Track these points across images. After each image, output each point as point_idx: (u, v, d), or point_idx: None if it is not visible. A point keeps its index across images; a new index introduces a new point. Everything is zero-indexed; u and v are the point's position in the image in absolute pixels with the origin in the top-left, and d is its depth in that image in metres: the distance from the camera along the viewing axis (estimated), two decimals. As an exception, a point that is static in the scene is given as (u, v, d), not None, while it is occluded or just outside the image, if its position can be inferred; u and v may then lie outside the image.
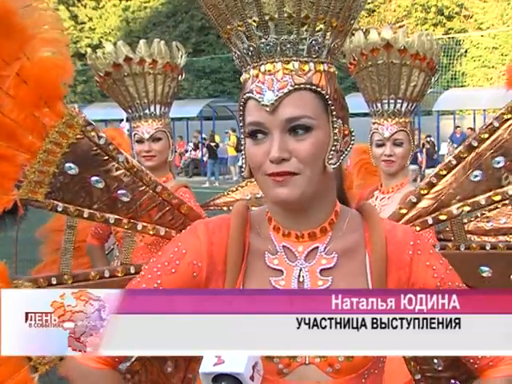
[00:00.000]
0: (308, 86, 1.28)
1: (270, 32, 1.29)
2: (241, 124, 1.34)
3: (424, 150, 19.88)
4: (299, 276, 1.33)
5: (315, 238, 1.35)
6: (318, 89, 1.28)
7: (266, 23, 1.28)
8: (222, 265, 1.35)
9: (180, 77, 3.24)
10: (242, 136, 1.34)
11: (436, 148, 22.06)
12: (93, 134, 1.72)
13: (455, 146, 21.47)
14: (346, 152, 1.35)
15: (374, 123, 3.08)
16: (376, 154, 3.07)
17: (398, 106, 3.00)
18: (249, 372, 1.13)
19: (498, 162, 1.72)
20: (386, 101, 3.01)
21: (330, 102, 1.30)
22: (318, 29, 1.30)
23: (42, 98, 1.65)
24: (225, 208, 3.48)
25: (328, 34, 1.31)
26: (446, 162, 1.77)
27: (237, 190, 3.53)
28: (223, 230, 1.37)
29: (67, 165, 1.70)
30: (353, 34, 3.06)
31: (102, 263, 3.37)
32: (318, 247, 1.35)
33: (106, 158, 1.73)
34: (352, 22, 1.35)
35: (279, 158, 1.26)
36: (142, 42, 3.17)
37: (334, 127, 1.31)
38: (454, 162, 1.75)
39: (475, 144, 1.73)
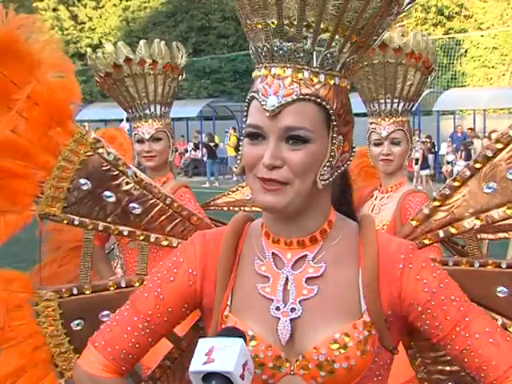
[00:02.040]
0: (313, 98, 1.26)
1: (286, 37, 1.27)
2: (244, 119, 1.33)
3: (421, 150, 19.81)
4: (286, 284, 1.32)
5: (304, 246, 1.33)
6: (323, 102, 1.26)
7: (284, 27, 1.27)
8: (215, 274, 1.37)
9: (180, 77, 3.24)
10: (243, 132, 1.33)
11: (436, 148, 22.03)
12: (102, 150, 1.79)
13: (455, 145, 21.50)
14: (343, 168, 1.33)
15: (371, 123, 3.08)
16: (374, 153, 3.07)
17: (395, 105, 3.00)
18: (239, 371, 1.12)
19: None
20: (383, 100, 3.01)
21: (333, 118, 1.27)
22: (335, 42, 1.27)
23: (54, 118, 1.74)
24: (225, 208, 3.48)
25: (346, 48, 1.28)
26: (460, 173, 1.69)
27: (237, 190, 3.52)
28: (218, 240, 1.39)
29: (80, 180, 1.78)
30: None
31: (103, 263, 3.38)
32: (306, 255, 1.33)
33: (116, 172, 1.80)
34: (376, 37, 1.32)
35: (271, 165, 1.25)
36: (142, 42, 3.17)
37: (333, 143, 1.28)
38: (468, 173, 1.67)
39: (490, 154, 1.65)
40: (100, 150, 1.79)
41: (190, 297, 1.38)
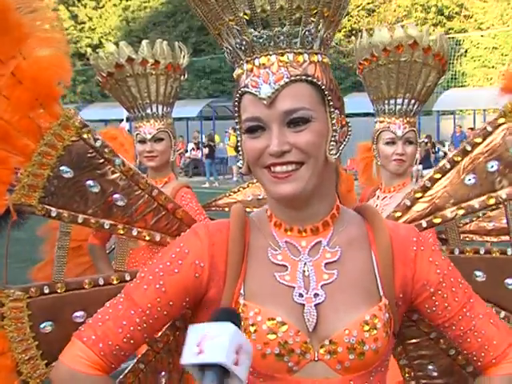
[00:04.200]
0: (304, 78, 1.27)
1: (262, 25, 1.28)
2: (236, 120, 1.33)
3: (420, 150, 19.88)
4: (304, 270, 1.33)
5: (318, 232, 1.35)
6: (314, 80, 1.27)
7: (259, 16, 1.28)
8: (223, 265, 1.34)
9: (182, 77, 3.23)
10: (239, 132, 1.33)
11: (431, 149, 22.03)
12: (89, 136, 1.66)
13: (454, 146, 21.49)
14: (344, 143, 1.35)
15: (381, 121, 3.02)
16: (386, 152, 3.00)
17: (411, 105, 2.96)
18: (231, 358, 1.09)
19: (492, 166, 1.72)
20: (401, 100, 2.96)
21: (326, 93, 1.29)
22: (310, 19, 1.29)
23: (38, 98, 1.59)
24: (226, 209, 3.47)
25: (320, 24, 1.30)
26: (441, 166, 1.77)
27: (238, 191, 3.52)
28: (223, 231, 1.36)
29: (62, 168, 1.64)
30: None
31: (104, 263, 3.37)
32: (320, 241, 1.35)
33: (102, 160, 1.68)
34: (342, 12, 1.35)
35: (279, 151, 1.25)
36: (144, 42, 3.16)
37: (332, 117, 1.30)
38: (448, 166, 1.75)
39: (469, 148, 1.74)
40: (86, 136, 1.65)
41: (193, 289, 1.34)
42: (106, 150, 1.69)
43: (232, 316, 1.15)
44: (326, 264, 1.33)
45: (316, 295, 1.31)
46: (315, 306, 1.30)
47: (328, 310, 1.30)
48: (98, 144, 1.67)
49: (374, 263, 1.35)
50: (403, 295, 1.37)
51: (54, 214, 1.66)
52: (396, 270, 1.35)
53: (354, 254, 1.35)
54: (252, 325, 1.28)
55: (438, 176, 1.75)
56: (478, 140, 1.73)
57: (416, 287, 1.37)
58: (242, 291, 1.32)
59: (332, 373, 1.29)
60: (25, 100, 1.57)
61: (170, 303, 1.33)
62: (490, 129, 1.74)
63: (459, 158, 1.74)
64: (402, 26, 2.94)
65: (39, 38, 1.58)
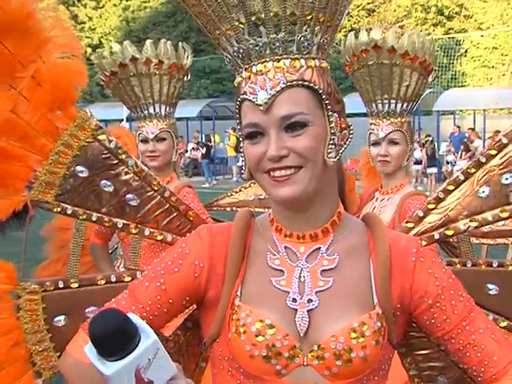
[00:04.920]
0: (300, 83, 1.28)
1: (258, 32, 1.30)
2: (238, 127, 1.36)
3: (424, 149, 19.93)
4: (300, 276, 1.34)
5: (317, 238, 1.36)
6: (311, 84, 1.28)
7: (254, 24, 1.30)
8: (222, 267, 1.36)
9: (186, 77, 3.25)
10: (241, 138, 1.35)
11: (436, 148, 22.06)
12: (104, 137, 1.72)
13: (454, 146, 21.51)
14: (345, 146, 1.35)
15: (371, 124, 3.08)
16: (372, 154, 3.07)
17: (393, 106, 2.99)
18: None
19: (507, 179, 1.70)
20: (380, 101, 3.00)
21: (323, 97, 1.30)
22: (305, 25, 1.30)
23: (56, 101, 1.66)
24: (228, 209, 3.49)
25: (316, 29, 1.31)
26: (454, 178, 1.75)
27: (240, 191, 3.53)
28: (225, 234, 1.39)
29: (78, 168, 1.70)
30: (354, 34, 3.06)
31: (105, 262, 3.39)
32: (319, 248, 1.36)
33: (116, 161, 1.73)
34: (340, 17, 1.35)
35: (277, 156, 1.26)
36: (148, 42, 3.18)
37: (330, 121, 1.31)
38: (462, 178, 1.73)
39: (483, 160, 1.72)
40: (101, 137, 1.72)
41: (193, 289, 1.37)
42: (119, 151, 1.74)
43: (123, 317, 1.15)
44: (323, 271, 1.34)
45: (309, 301, 1.32)
46: (308, 311, 1.31)
47: (320, 316, 1.31)
48: (112, 145, 1.73)
49: (371, 272, 1.35)
50: (401, 306, 1.36)
51: (69, 212, 1.71)
52: (393, 279, 1.35)
53: (353, 262, 1.36)
54: (242, 325, 1.30)
55: (451, 187, 1.74)
56: (493, 152, 1.71)
57: (414, 298, 1.36)
58: (238, 293, 1.34)
59: (321, 378, 1.30)
60: (44, 102, 1.64)
61: (170, 301, 1.36)
62: (505, 141, 1.71)
63: (473, 170, 1.72)
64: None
65: (57, 44, 1.65)
